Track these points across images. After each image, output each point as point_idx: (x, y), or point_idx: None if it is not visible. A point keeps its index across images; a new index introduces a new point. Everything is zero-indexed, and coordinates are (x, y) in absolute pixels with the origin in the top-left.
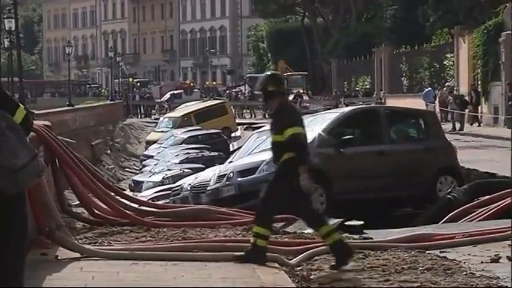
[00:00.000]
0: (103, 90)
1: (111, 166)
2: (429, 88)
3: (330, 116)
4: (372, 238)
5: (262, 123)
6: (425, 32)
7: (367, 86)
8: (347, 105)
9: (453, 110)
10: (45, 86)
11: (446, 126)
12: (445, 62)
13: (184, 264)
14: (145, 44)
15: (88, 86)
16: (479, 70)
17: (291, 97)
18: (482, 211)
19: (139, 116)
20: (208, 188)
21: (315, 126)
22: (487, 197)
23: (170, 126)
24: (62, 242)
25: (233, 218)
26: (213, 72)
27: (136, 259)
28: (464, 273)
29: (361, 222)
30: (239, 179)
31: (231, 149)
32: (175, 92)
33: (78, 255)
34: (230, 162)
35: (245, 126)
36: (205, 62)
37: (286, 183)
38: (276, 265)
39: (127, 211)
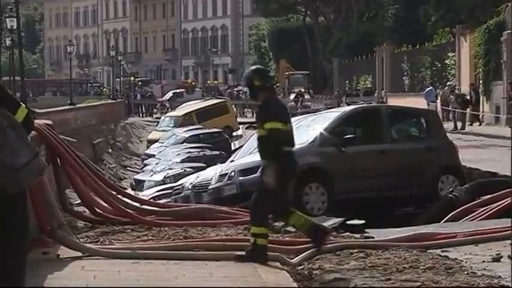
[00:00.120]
0: (104, 89)
1: (112, 165)
2: (430, 87)
3: (331, 115)
4: (373, 237)
5: None
6: (426, 31)
7: (369, 85)
8: (348, 105)
9: (455, 109)
10: (46, 85)
11: (448, 125)
12: (446, 61)
13: (186, 264)
14: (147, 43)
15: (90, 85)
16: (480, 69)
17: (292, 96)
18: (484, 210)
19: (140, 115)
20: (209, 187)
21: (317, 125)
22: (489, 196)
23: (172, 125)
24: (63, 241)
25: (234, 217)
26: (215, 71)
27: (138, 258)
28: (466, 272)
29: (363, 222)
30: (240, 178)
31: (233, 148)
32: (177, 91)
33: (79, 254)
34: (231, 161)
35: (246, 125)
36: (207, 61)
37: (280, 177)
38: (278, 264)
39: (128, 210)
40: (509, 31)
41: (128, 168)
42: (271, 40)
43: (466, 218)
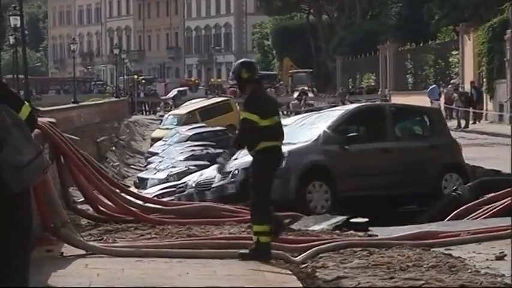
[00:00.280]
0: (108, 87)
1: (116, 163)
2: (434, 85)
3: (335, 113)
4: (376, 235)
5: None
6: (430, 29)
7: (372, 84)
8: (351, 103)
9: (458, 108)
10: (50, 83)
11: (452, 124)
12: (450, 60)
13: (189, 262)
14: (151, 41)
15: (93, 83)
16: (484, 67)
17: (295, 94)
18: (487, 209)
19: (144, 113)
20: (213, 185)
21: (320, 123)
22: (492, 194)
23: (175, 123)
24: (67, 239)
25: (238, 215)
26: (218, 70)
27: (141, 256)
28: (469, 270)
29: (366, 220)
30: (244, 176)
31: None
32: (181, 89)
33: (83, 252)
34: (235, 159)
35: None
36: (210, 59)
37: (266, 173)
38: (281, 262)
39: (132, 208)
40: None
41: (132, 166)
42: (274, 38)
43: (470, 216)
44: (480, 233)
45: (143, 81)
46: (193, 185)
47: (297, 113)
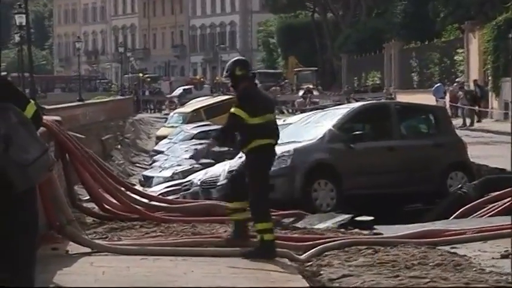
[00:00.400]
0: (113, 86)
1: (121, 161)
2: (439, 84)
3: (340, 112)
4: (382, 234)
5: None
6: (435, 27)
7: (377, 82)
8: (357, 101)
9: (463, 106)
10: (55, 81)
11: (457, 122)
12: (455, 58)
13: (194, 260)
14: (156, 39)
15: (98, 81)
16: (489, 66)
17: (301, 92)
18: (493, 207)
19: (149, 112)
20: (218, 183)
21: (326, 121)
22: (497, 192)
23: (180, 121)
24: (72, 237)
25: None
26: (223, 68)
27: (146, 254)
28: (474, 269)
29: (371, 218)
30: None
31: None
32: (186, 87)
33: (88, 250)
34: (240, 157)
35: None
36: (215, 58)
37: (261, 171)
38: (286, 261)
39: (137, 206)
40: None
41: (137, 165)
42: (279, 36)
43: (475, 214)
44: (485, 231)
45: (148, 79)
46: (199, 183)
47: (302, 111)
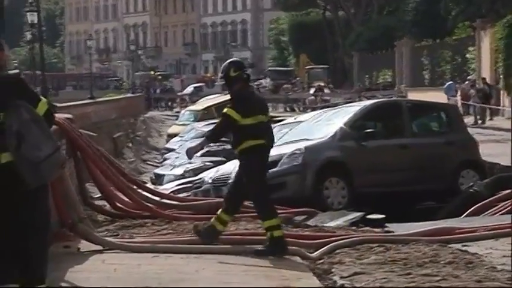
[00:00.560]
0: (124, 83)
1: (132, 159)
2: (451, 82)
3: (352, 110)
4: (393, 232)
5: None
6: (447, 25)
7: (389, 80)
8: (368, 99)
9: (475, 104)
10: (67, 79)
11: (468, 120)
12: (467, 56)
13: (206, 257)
14: (167, 37)
15: (108, 79)
16: (501, 63)
17: (312, 90)
18: (504, 205)
19: (160, 109)
20: (229, 181)
21: (337, 119)
22: (509, 190)
23: (191, 119)
24: (84, 235)
25: (254, 211)
26: None
27: (158, 252)
28: (486, 267)
29: (383, 216)
30: None
31: None
32: (197, 85)
33: (100, 247)
34: None
35: None
36: (227, 56)
37: (255, 172)
38: (298, 258)
39: (148, 204)
40: None
41: (148, 162)
42: (291, 34)
43: (487, 212)
44: (497, 229)
45: (159, 77)
46: (210, 181)
47: (313, 109)
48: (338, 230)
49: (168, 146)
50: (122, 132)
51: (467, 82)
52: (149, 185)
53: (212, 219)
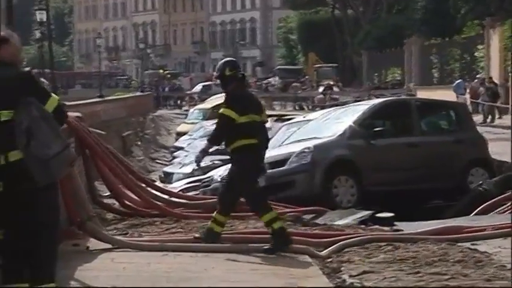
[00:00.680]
0: (133, 82)
1: (141, 157)
2: (460, 80)
3: (360, 108)
4: (402, 230)
5: (292, 115)
6: (456, 23)
7: (398, 78)
8: (377, 98)
9: (484, 102)
10: (76, 77)
11: (477, 118)
12: (476, 54)
13: (215, 256)
14: (176, 36)
15: (117, 77)
16: (510, 62)
17: (321, 89)
18: None
19: (169, 108)
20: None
21: (346, 118)
22: None
23: (200, 117)
24: (93, 233)
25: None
26: (243, 64)
27: (167, 250)
28: (495, 265)
29: (392, 214)
30: (269, 171)
31: None
32: (205, 83)
33: (109, 246)
34: None
35: (275, 117)
36: (236, 54)
37: (248, 169)
38: (306, 257)
39: (157, 202)
40: None
41: (157, 161)
42: (300, 33)
43: (496, 211)
44: (506, 228)
45: (168, 75)
46: (219, 179)
47: (322, 108)
48: (347, 228)
49: (176, 144)
50: (130, 131)
51: (476, 80)
52: (158, 183)
53: (209, 222)
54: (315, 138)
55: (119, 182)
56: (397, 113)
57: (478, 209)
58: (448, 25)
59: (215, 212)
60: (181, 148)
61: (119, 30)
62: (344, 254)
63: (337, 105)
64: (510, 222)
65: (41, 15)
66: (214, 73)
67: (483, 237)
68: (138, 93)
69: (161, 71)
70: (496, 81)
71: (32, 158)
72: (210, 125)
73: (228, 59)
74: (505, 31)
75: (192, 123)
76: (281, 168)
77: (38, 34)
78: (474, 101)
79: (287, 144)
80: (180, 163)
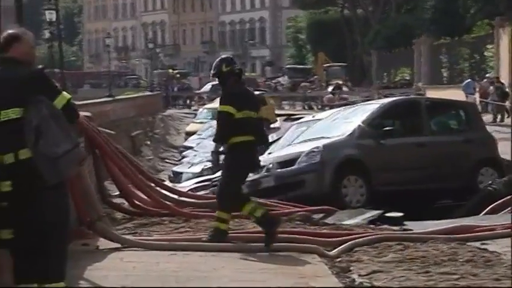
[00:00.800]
0: (142, 82)
1: (150, 157)
2: (469, 79)
3: (370, 108)
4: (411, 230)
5: (301, 114)
6: (465, 23)
7: (407, 77)
8: (385, 97)
9: (493, 102)
10: (85, 77)
11: (487, 118)
12: (485, 53)
13: (224, 255)
14: (185, 36)
15: (127, 77)
16: None
17: (330, 88)
18: None
19: (178, 107)
20: (247, 179)
21: (355, 117)
22: None
23: (209, 117)
24: (102, 233)
25: (272, 209)
26: (252, 64)
27: (176, 250)
28: (505, 265)
29: (401, 214)
30: (278, 170)
31: (270, 140)
32: (215, 83)
33: (118, 245)
34: (269, 153)
35: (284, 117)
36: (245, 54)
37: (235, 167)
38: (316, 256)
39: (167, 202)
40: None
41: (166, 160)
42: (309, 32)
43: (505, 210)
44: None
45: (178, 75)
46: None
47: (331, 107)
48: (356, 228)
49: (186, 144)
50: (140, 130)
51: (485, 80)
52: (167, 183)
53: (213, 222)
54: (324, 137)
55: (129, 182)
56: (407, 112)
57: (488, 208)
58: (458, 24)
59: (217, 211)
60: (190, 148)
61: (129, 30)
62: (353, 253)
63: (346, 105)
64: (510, 222)
65: (50, 15)
66: (212, 72)
67: (492, 236)
68: (148, 93)
69: (170, 70)
70: (503, 81)
71: (41, 156)
72: None
73: (223, 56)
74: None
75: (201, 122)
76: (290, 168)
77: (47, 34)
78: (483, 100)
79: (296, 143)
80: (189, 163)
